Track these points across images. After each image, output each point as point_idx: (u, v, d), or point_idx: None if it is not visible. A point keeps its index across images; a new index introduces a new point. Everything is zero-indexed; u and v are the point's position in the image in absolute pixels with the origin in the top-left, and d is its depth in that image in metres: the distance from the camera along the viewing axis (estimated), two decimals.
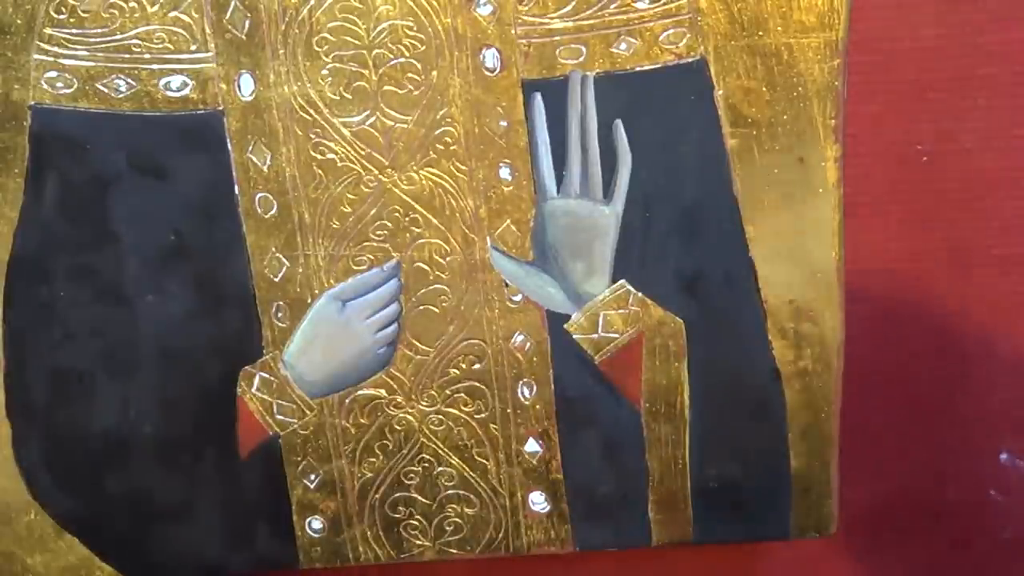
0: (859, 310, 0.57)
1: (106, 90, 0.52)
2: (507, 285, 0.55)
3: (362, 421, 0.57)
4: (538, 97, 0.52)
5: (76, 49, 0.51)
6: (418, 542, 0.59)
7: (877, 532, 0.65)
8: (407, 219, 0.53)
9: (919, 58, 0.57)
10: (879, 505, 0.64)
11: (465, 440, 0.57)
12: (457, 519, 0.58)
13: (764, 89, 0.51)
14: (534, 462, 0.57)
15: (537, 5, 0.51)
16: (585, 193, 0.53)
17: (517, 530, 0.58)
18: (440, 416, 0.57)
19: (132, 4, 0.51)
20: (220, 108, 0.52)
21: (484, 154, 0.53)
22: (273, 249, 0.54)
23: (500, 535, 0.58)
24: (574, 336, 0.55)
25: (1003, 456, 0.63)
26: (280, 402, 0.56)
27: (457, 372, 0.56)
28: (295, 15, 0.51)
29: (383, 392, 0.56)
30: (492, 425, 0.57)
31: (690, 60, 0.51)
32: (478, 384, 0.56)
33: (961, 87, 0.57)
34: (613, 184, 0.53)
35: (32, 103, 0.52)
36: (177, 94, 0.52)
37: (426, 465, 0.57)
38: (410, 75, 0.52)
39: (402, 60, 0.51)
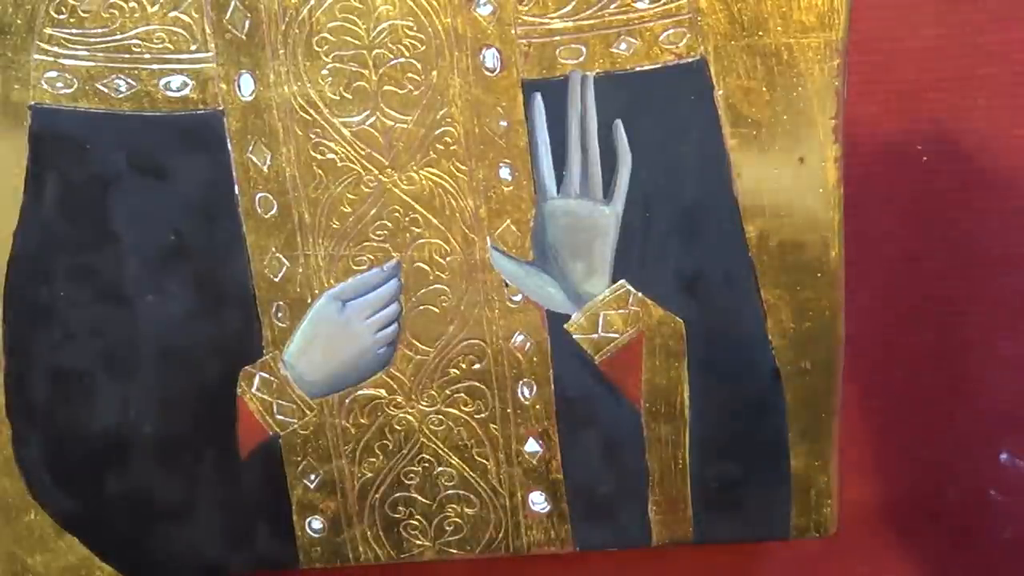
0: (859, 310, 0.57)
1: (106, 90, 0.52)
2: (507, 285, 0.55)
3: (362, 421, 0.57)
4: (538, 97, 0.52)
5: (76, 49, 0.51)
6: (418, 542, 0.59)
7: (877, 532, 0.64)
8: (407, 219, 0.53)
9: (919, 58, 0.57)
10: (879, 505, 0.64)
11: (465, 440, 0.57)
12: (457, 519, 0.58)
13: (764, 89, 0.51)
14: (534, 462, 0.57)
15: (537, 5, 0.51)
16: (585, 193, 0.53)
17: (517, 530, 0.58)
18: (440, 416, 0.57)
19: (132, 4, 0.51)
20: (220, 108, 0.52)
21: (484, 154, 0.53)
22: (273, 249, 0.54)
23: (500, 535, 0.58)
24: (574, 336, 0.55)
25: (1003, 456, 0.63)
26: (280, 402, 0.56)
27: (457, 372, 0.56)
28: (295, 15, 0.51)
29: (383, 392, 0.56)
30: (492, 425, 0.57)
31: (690, 60, 0.51)
32: (478, 384, 0.56)
33: (961, 87, 0.57)
34: (613, 184, 0.53)
35: (32, 103, 0.52)
36: (177, 94, 0.52)
37: (426, 465, 0.57)
38: (410, 75, 0.52)
39: (402, 60, 0.51)
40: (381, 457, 0.57)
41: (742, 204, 0.53)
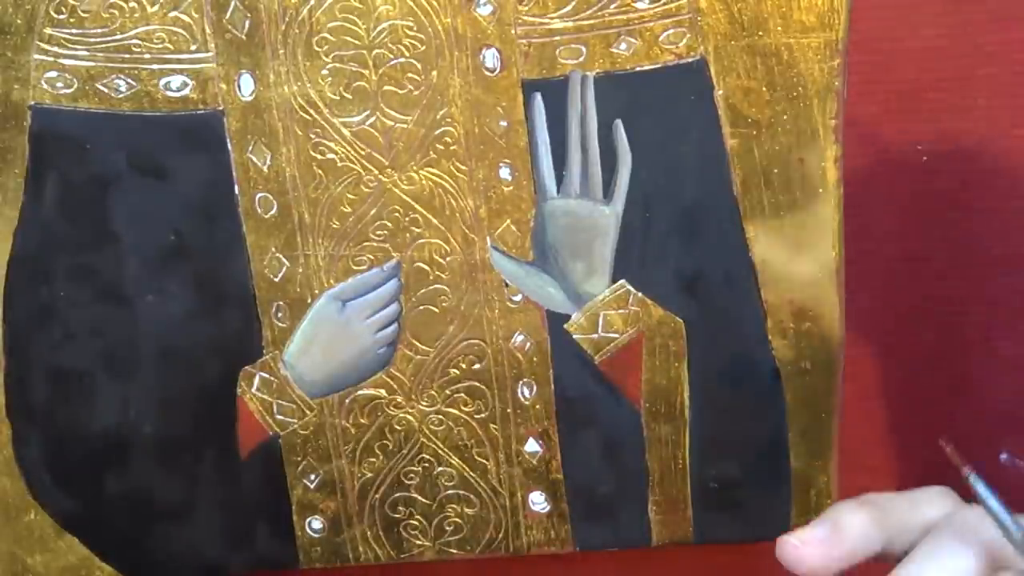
0: (859, 310, 0.57)
1: (106, 90, 0.52)
2: (507, 285, 0.55)
3: (362, 421, 0.57)
4: (538, 97, 0.52)
5: (76, 49, 0.51)
6: (418, 542, 0.59)
7: None
8: (407, 219, 0.53)
9: (919, 58, 0.56)
10: None
11: (465, 440, 0.57)
12: (457, 519, 0.58)
13: (764, 89, 0.51)
14: (534, 462, 0.57)
15: (537, 5, 0.51)
16: (585, 193, 0.53)
17: (517, 530, 0.58)
18: (440, 416, 0.57)
19: (132, 4, 0.51)
20: (220, 108, 0.52)
21: (484, 154, 0.53)
22: (273, 249, 0.54)
23: (500, 535, 0.58)
24: (574, 336, 0.55)
25: (1003, 456, 0.63)
26: (280, 402, 0.56)
27: (457, 372, 0.56)
28: (295, 15, 0.51)
29: (383, 392, 0.56)
30: (492, 425, 0.57)
31: (690, 60, 0.51)
32: (478, 384, 0.56)
33: (961, 87, 0.57)
34: (613, 184, 0.53)
35: (32, 103, 0.52)
36: (177, 94, 0.52)
37: (426, 465, 0.57)
38: (410, 75, 0.52)
39: (402, 60, 0.51)
40: (381, 457, 0.57)
41: (742, 204, 0.53)
